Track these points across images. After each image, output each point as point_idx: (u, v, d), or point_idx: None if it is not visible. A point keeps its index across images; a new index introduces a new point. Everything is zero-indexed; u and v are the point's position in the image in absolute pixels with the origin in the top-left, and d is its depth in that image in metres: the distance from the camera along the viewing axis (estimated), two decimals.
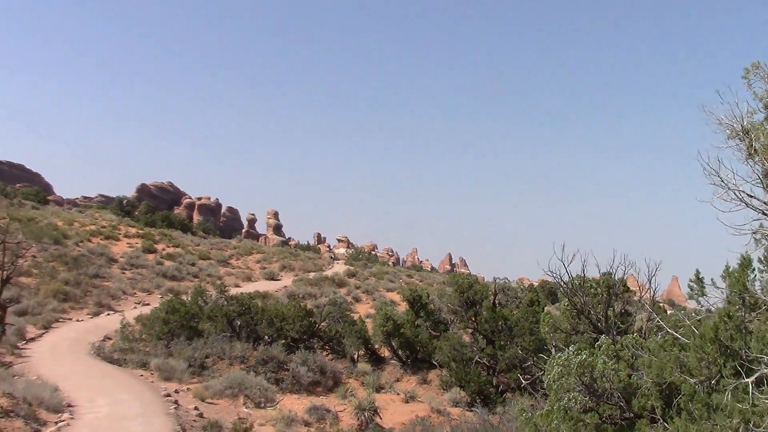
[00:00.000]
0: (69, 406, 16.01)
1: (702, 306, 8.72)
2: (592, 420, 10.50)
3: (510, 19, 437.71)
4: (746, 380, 7.01)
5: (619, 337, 11.83)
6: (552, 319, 13.12)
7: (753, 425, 6.60)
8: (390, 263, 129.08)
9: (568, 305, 12.92)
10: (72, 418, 14.98)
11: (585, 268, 13.11)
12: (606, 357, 10.22)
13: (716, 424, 6.87)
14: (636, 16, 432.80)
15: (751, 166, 7.66)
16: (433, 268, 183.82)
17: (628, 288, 13.90)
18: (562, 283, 13.13)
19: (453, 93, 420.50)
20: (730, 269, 8.21)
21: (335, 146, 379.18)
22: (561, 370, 10.15)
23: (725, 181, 7.55)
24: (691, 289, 8.65)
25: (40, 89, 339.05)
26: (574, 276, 13.07)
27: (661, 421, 8.81)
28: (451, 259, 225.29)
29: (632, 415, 10.51)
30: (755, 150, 7.63)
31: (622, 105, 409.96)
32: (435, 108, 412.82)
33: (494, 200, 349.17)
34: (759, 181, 7.69)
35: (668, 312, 15.25)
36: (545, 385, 11.20)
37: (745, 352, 7.39)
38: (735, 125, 7.59)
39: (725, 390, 7.15)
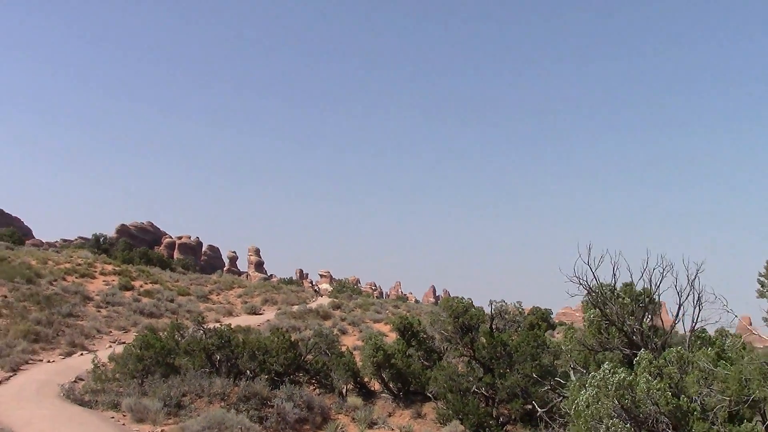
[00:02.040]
0: None
1: None
2: None
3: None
4: None
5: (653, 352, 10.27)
6: (576, 335, 11.54)
7: None
8: (374, 297, 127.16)
9: (597, 316, 11.30)
10: None
11: (616, 272, 11.45)
12: (648, 375, 8.62)
13: None
14: None
15: None
16: (417, 301, 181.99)
17: (654, 299, 12.32)
18: (590, 291, 11.49)
19: (428, 130, 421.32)
20: None
21: (317, 183, 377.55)
22: (596, 393, 8.52)
23: None
24: (762, 285, 7.11)
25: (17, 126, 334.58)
26: (603, 282, 11.49)
27: None
28: (434, 291, 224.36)
29: None
30: None
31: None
32: (413, 145, 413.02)
33: (477, 229, 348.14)
34: None
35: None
36: (572, 412, 9.60)
37: None
38: None
39: None
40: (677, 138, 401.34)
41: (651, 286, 11.67)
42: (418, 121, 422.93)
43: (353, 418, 22.81)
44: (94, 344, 35.15)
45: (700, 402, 8.81)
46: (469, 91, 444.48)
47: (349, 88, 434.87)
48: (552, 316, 48.64)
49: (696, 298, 11.16)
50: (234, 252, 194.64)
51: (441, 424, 23.29)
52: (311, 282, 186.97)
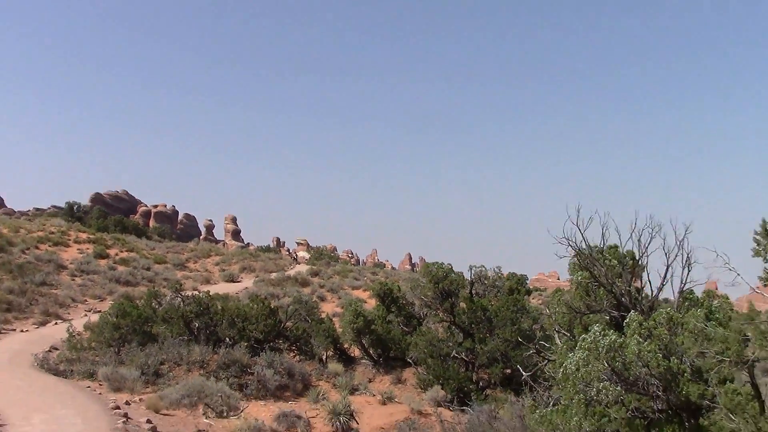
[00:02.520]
0: None
1: None
2: (619, 414, 8.75)
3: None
4: None
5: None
6: (563, 298, 11.37)
7: None
8: (351, 264, 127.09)
9: (586, 278, 11.15)
10: None
11: (606, 233, 11.31)
12: (639, 336, 8.46)
13: None
14: None
15: None
16: (393, 268, 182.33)
17: (638, 261, 12.18)
18: (579, 252, 11.32)
19: (405, 93, 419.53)
20: None
21: (292, 150, 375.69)
22: (586, 356, 8.35)
23: None
24: (758, 244, 6.91)
25: None
26: (591, 244, 11.32)
27: (727, 412, 7.03)
28: (411, 259, 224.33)
29: (667, 407, 8.79)
30: None
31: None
32: (386, 111, 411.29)
33: (452, 197, 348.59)
34: None
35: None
36: (560, 375, 9.44)
37: None
38: None
39: None
40: (667, 103, 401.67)
41: (640, 247, 11.57)
42: (391, 86, 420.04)
43: (334, 385, 22.66)
44: (68, 313, 34.69)
45: (690, 363, 8.68)
46: (444, 49, 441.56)
47: (327, 54, 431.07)
48: (526, 282, 48.88)
49: (684, 258, 11.07)
50: (210, 220, 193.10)
51: (421, 389, 23.22)
52: (288, 250, 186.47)
